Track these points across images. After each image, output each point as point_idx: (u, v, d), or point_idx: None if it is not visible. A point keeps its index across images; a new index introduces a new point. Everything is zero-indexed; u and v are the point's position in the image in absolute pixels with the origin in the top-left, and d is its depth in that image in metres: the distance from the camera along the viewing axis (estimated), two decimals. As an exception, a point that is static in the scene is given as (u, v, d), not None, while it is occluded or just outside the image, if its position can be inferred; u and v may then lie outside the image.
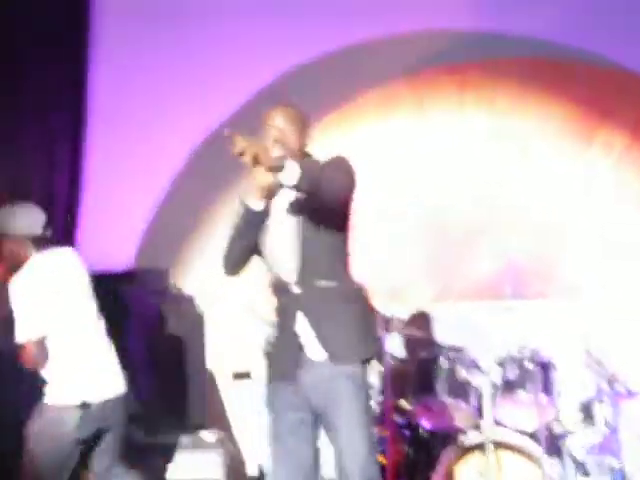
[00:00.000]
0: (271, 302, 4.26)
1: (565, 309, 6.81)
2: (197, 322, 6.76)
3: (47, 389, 4.76)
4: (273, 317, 6.18)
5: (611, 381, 5.92)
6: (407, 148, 7.19)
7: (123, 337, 6.17)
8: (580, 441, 5.97)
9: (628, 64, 7.06)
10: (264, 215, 4.04)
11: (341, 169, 4.03)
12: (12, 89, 6.86)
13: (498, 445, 5.66)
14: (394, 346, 6.28)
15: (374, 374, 5.94)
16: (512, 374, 5.88)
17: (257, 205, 3.99)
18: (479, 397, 5.89)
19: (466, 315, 6.83)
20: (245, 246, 4.08)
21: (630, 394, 5.97)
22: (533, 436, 5.81)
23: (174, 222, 7.10)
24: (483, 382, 5.88)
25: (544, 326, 6.59)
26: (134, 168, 7.05)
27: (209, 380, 6.81)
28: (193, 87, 7.13)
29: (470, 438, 5.76)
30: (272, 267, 4.12)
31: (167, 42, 7.16)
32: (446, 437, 6.00)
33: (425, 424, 6.01)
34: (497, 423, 5.88)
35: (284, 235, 4.07)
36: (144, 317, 6.38)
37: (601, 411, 5.94)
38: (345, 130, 7.21)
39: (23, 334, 4.64)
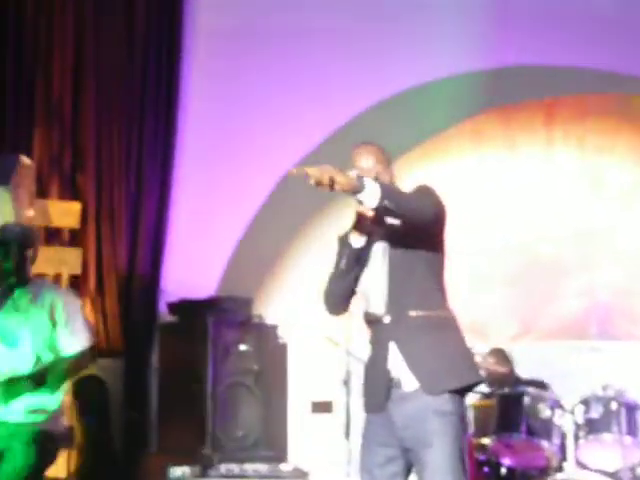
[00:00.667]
0: (362, 335, 4.24)
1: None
2: (279, 352, 6.76)
3: None
4: (357, 348, 6.23)
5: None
6: (495, 183, 7.16)
7: (204, 365, 6.24)
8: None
9: None
10: (364, 252, 4.04)
11: (425, 192, 4.02)
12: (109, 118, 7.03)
13: (580, 486, 5.56)
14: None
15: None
16: (596, 414, 5.78)
17: (359, 242, 3.96)
18: (562, 436, 5.79)
19: (549, 354, 6.73)
20: (347, 284, 4.01)
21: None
22: (616, 478, 5.70)
23: (258, 252, 7.15)
24: (566, 421, 5.78)
25: (630, 367, 6.47)
26: (220, 199, 7.12)
27: (290, 411, 6.82)
28: (280, 119, 7.19)
29: (552, 478, 5.66)
30: (365, 300, 4.10)
31: (258, 74, 7.23)
32: (527, 476, 5.92)
33: (506, 462, 5.93)
34: (579, 463, 5.78)
35: (374, 266, 4.07)
36: (226, 346, 6.41)
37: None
38: (433, 163, 7.21)
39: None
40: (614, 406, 5.74)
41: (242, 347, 6.56)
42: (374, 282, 3.98)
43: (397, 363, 3.92)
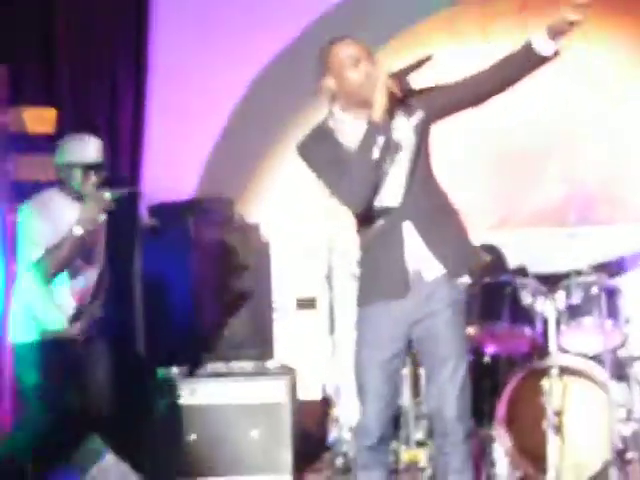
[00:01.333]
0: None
1: (633, 235, 6.71)
2: (262, 252, 6.77)
3: None
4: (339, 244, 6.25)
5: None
6: (471, 71, 7.10)
7: (187, 267, 6.25)
8: (646, 366, 5.93)
9: None
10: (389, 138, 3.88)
11: None
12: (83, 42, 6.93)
13: (563, 370, 5.64)
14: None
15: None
16: (577, 299, 5.83)
17: (388, 128, 3.85)
18: (544, 322, 5.86)
19: (531, 241, 6.76)
20: (380, 174, 3.87)
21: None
22: (598, 361, 5.77)
23: (237, 152, 7.12)
24: (548, 307, 5.84)
25: (611, 251, 6.51)
26: (197, 99, 7.06)
27: (274, 309, 6.86)
28: (253, 15, 7.11)
29: (535, 363, 5.74)
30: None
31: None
32: (510, 363, 6.00)
33: (489, 350, 6.01)
34: (562, 349, 5.85)
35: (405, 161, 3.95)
36: (208, 247, 6.40)
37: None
38: (408, 56, 7.12)
39: None
40: (594, 291, 5.79)
41: (227, 246, 6.56)
42: (388, 172, 3.91)
43: (415, 250, 3.90)
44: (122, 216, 6.86)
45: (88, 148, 4.87)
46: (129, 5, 7.04)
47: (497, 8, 7.13)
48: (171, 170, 6.91)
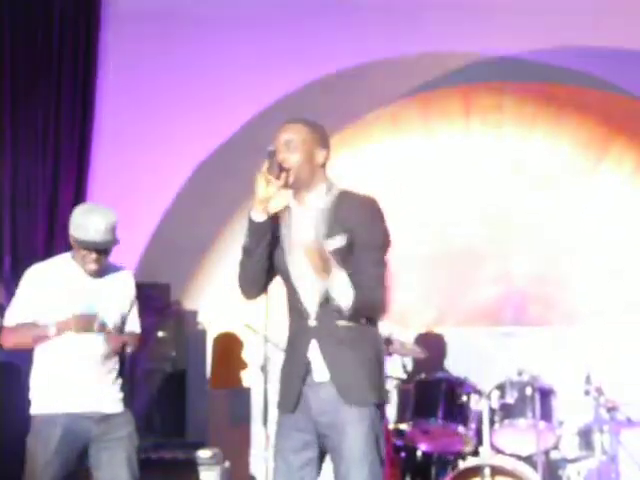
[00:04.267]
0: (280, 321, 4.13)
1: (566, 336, 6.78)
2: (198, 339, 6.73)
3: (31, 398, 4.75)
4: (275, 335, 6.22)
5: (611, 409, 5.89)
6: (414, 168, 7.20)
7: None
8: (578, 468, 5.94)
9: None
10: (269, 228, 3.86)
11: (380, 244, 3.98)
12: (26, 106, 6.92)
13: (495, 470, 5.63)
14: (394, 368, 6.27)
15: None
16: (511, 399, 5.86)
17: (259, 217, 3.82)
18: (478, 421, 5.87)
19: (466, 340, 6.80)
20: (256, 265, 3.87)
21: (630, 423, 5.95)
22: (531, 462, 5.78)
23: (175, 239, 7.10)
24: (482, 406, 5.86)
25: (544, 352, 6.57)
26: (137, 184, 7.05)
27: (209, 397, 6.80)
28: (199, 104, 7.15)
29: (467, 463, 5.73)
30: (293, 292, 3.91)
31: (173, 60, 7.17)
32: (443, 461, 5.98)
33: (422, 447, 5.99)
34: (495, 448, 5.86)
35: (307, 259, 3.81)
36: (144, 332, 6.35)
37: (600, 439, 5.91)
38: (353, 149, 7.22)
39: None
40: (529, 391, 5.83)
41: (160, 333, 6.52)
42: (308, 280, 3.85)
43: (316, 355, 3.88)
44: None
45: (90, 227, 4.65)
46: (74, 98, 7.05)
47: (441, 106, 7.25)
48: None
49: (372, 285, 3.81)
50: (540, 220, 7.07)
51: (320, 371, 3.83)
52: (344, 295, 3.74)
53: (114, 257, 4.87)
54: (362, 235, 3.87)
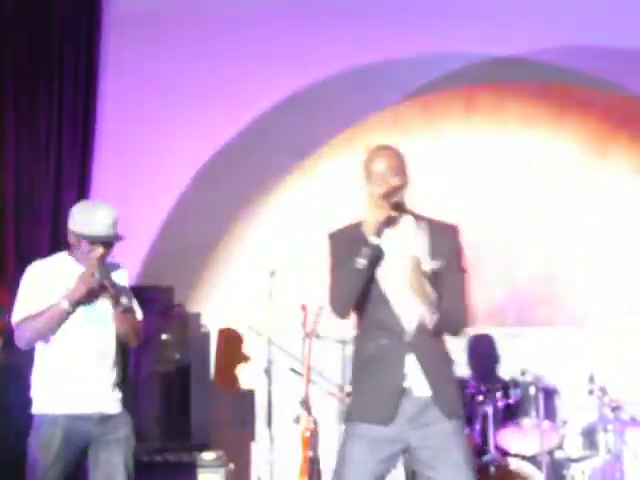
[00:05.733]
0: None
1: (570, 336, 6.78)
2: (202, 341, 6.74)
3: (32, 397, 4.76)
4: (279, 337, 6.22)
5: (615, 409, 5.89)
6: (414, 170, 7.19)
7: (126, 355, 6.18)
8: (582, 468, 5.94)
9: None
10: (382, 250, 3.94)
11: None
12: (29, 108, 6.93)
13: (500, 470, 5.63)
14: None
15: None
16: (514, 399, 5.86)
17: (375, 239, 3.90)
18: (482, 421, 5.87)
19: (469, 340, 6.80)
20: (362, 285, 3.91)
21: (634, 422, 5.95)
22: (535, 462, 5.78)
23: (179, 241, 7.10)
24: (487, 406, 5.86)
25: (548, 352, 6.57)
26: (140, 186, 7.05)
27: (213, 399, 6.81)
28: (201, 105, 7.16)
29: (472, 463, 5.72)
30: (385, 307, 3.95)
31: (174, 61, 7.18)
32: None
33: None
34: (499, 448, 5.86)
35: (408, 277, 3.95)
36: (147, 335, 6.35)
37: (605, 438, 5.91)
38: (355, 151, 7.22)
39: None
40: (532, 391, 5.83)
41: (164, 336, 6.53)
42: (402, 291, 3.93)
43: (415, 370, 3.89)
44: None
45: (97, 222, 4.65)
46: (76, 107, 7.06)
47: (442, 108, 7.25)
48: (113, 258, 6.87)
49: (461, 306, 4.04)
50: (544, 220, 7.07)
51: (420, 386, 3.89)
52: (433, 313, 3.88)
53: (119, 259, 4.88)
54: (454, 260, 4.08)
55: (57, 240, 6.82)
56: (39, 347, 4.72)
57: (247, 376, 6.93)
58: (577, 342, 6.71)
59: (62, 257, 4.82)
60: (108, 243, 4.70)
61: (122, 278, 4.89)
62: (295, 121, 7.17)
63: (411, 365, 3.89)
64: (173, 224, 7.19)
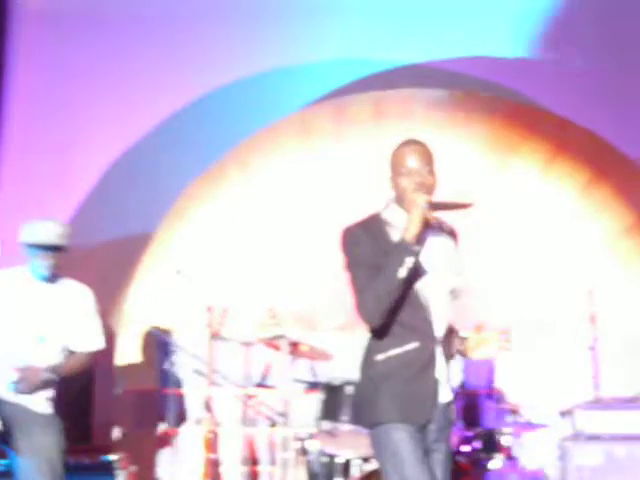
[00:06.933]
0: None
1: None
2: (105, 341, 6.69)
3: None
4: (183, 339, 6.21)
5: (513, 413, 5.99)
6: (322, 173, 7.25)
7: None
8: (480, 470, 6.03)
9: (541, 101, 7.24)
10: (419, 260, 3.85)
11: None
12: None
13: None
14: (301, 371, 6.30)
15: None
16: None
17: (417, 247, 3.80)
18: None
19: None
20: (399, 294, 3.83)
21: (531, 426, 6.06)
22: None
23: (87, 238, 7.05)
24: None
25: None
26: (45, 188, 7.00)
27: (117, 400, 6.77)
28: (110, 105, 7.11)
29: (371, 465, 5.78)
30: (419, 312, 3.89)
31: (84, 61, 7.13)
32: (350, 464, 6.02)
33: (329, 450, 6.03)
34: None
35: (442, 286, 3.92)
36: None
37: (503, 441, 6.01)
38: (264, 152, 7.25)
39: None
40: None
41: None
42: (442, 303, 3.91)
43: (443, 376, 3.91)
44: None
45: (45, 231, 4.93)
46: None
47: (351, 113, 7.30)
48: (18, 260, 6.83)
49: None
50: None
51: (445, 391, 3.91)
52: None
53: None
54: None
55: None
56: None
57: (151, 377, 6.91)
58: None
59: (18, 271, 4.95)
60: (56, 249, 4.77)
61: (82, 297, 4.98)
62: (202, 124, 7.17)
63: (440, 369, 3.88)
64: (81, 221, 7.13)
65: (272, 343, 6.00)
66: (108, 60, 7.18)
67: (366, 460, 5.94)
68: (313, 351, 6.21)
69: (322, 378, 6.12)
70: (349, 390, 5.90)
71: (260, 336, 6.16)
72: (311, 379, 6.48)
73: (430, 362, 3.86)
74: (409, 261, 3.76)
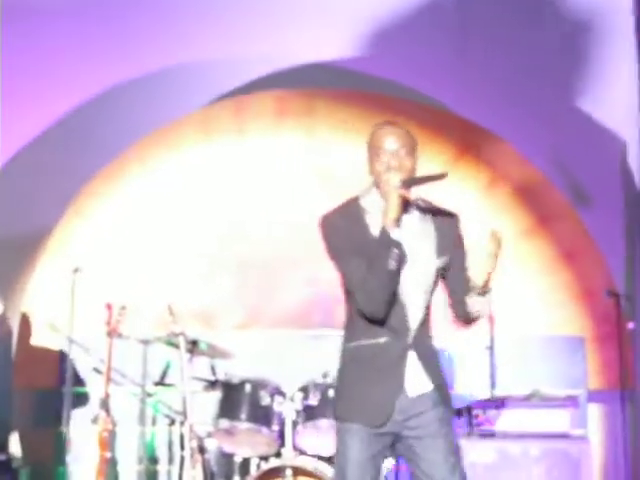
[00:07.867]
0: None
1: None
2: (2, 338, 6.61)
3: None
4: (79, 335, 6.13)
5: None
6: (223, 170, 7.24)
7: None
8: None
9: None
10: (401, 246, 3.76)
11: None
12: None
13: (297, 471, 5.70)
14: (200, 369, 6.28)
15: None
16: (314, 400, 5.93)
17: (396, 234, 3.73)
18: (281, 423, 5.93)
19: (273, 342, 6.87)
20: (395, 286, 3.76)
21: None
22: (332, 462, 5.86)
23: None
24: (286, 408, 5.92)
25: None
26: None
27: (13, 398, 6.68)
28: (8, 100, 6.99)
29: (269, 464, 5.79)
30: (395, 307, 3.80)
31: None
32: (247, 463, 6.02)
33: (226, 448, 6.02)
34: (297, 449, 5.93)
35: (418, 278, 3.83)
36: None
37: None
38: (165, 148, 7.22)
39: None
40: (332, 393, 5.90)
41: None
42: (416, 296, 3.85)
43: (416, 369, 3.83)
44: None
45: None
46: None
47: (252, 109, 7.30)
48: None
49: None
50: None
51: (420, 383, 3.83)
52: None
53: None
54: (459, 255, 3.93)
55: None
56: None
57: (48, 374, 6.83)
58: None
59: None
60: None
61: None
62: (105, 120, 7.10)
63: (412, 363, 3.82)
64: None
65: (171, 341, 5.97)
66: (10, 52, 7.06)
67: (264, 459, 5.96)
68: (212, 349, 6.19)
69: (221, 376, 6.09)
70: (248, 388, 5.91)
71: (159, 334, 6.12)
72: (210, 377, 6.46)
73: (401, 358, 3.80)
74: (394, 252, 3.72)
